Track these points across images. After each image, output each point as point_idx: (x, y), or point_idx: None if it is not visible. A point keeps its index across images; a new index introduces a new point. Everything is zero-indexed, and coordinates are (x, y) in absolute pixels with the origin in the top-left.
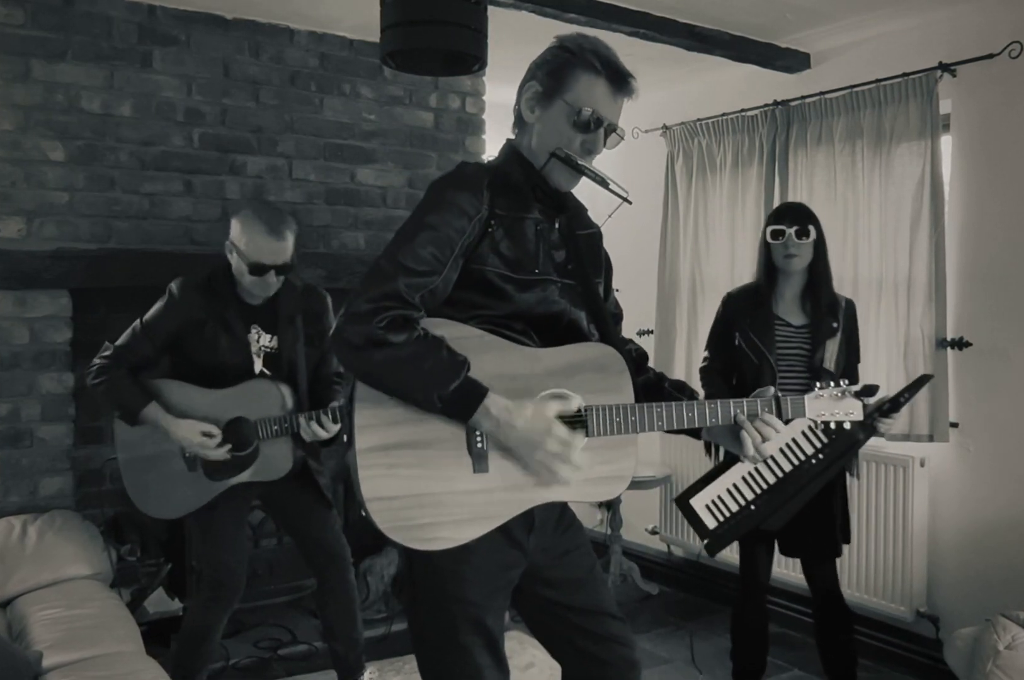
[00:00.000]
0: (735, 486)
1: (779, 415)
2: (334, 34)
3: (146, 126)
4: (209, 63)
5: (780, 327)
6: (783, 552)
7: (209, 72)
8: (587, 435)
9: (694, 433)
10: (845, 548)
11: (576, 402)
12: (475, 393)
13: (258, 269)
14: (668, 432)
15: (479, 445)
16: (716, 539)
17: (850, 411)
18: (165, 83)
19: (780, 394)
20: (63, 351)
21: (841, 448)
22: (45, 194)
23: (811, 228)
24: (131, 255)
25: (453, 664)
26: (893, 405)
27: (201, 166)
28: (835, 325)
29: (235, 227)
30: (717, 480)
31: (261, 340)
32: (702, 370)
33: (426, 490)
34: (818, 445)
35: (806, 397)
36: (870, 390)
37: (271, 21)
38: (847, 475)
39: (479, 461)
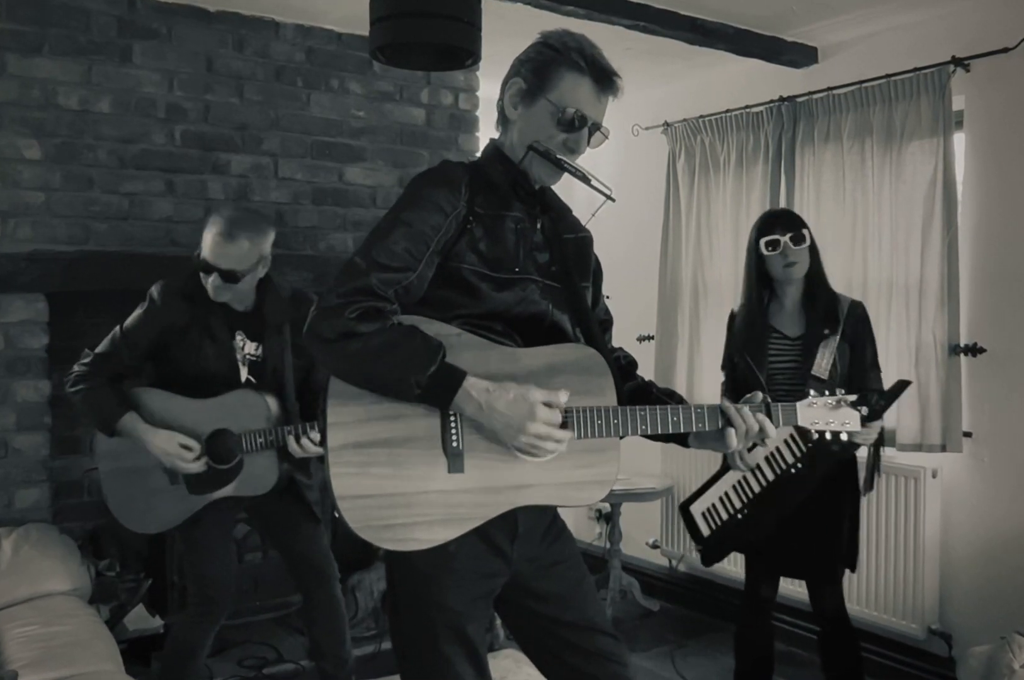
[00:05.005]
0: (726, 494)
1: None
2: (321, 27)
3: (126, 123)
4: (191, 57)
5: (776, 340)
6: (783, 573)
7: (191, 67)
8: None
9: (682, 441)
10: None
11: (564, 396)
12: (454, 376)
13: (204, 268)
14: (654, 439)
15: (455, 444)
16: (708, 548)
17: (846, 421)
18: (145, 78)
19: (770, 400)
20: (39, 357)
21: (816, 458)
22: (20, 194)
23: (805, 233)
24: (110, 257)
25: (433, 673)
26: (870, 413)
27: (183, 165)
28: (826, 331)
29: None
30: (713, 487)
31: (246, 348)
32: (722, 389)
33: (399, 490)
34: (798, 454)
35: (798, 404)
36: (867, 400)
37: (255, 14)
38: (861, 496)
39: (454, 461)
